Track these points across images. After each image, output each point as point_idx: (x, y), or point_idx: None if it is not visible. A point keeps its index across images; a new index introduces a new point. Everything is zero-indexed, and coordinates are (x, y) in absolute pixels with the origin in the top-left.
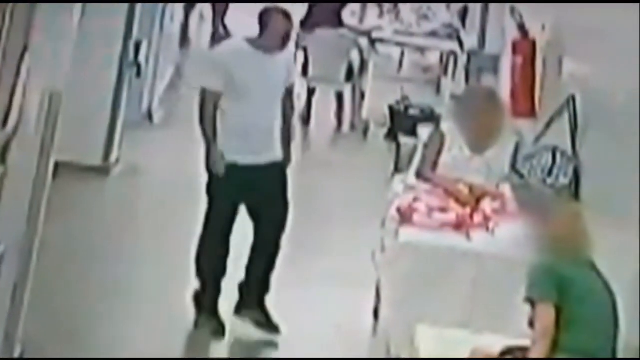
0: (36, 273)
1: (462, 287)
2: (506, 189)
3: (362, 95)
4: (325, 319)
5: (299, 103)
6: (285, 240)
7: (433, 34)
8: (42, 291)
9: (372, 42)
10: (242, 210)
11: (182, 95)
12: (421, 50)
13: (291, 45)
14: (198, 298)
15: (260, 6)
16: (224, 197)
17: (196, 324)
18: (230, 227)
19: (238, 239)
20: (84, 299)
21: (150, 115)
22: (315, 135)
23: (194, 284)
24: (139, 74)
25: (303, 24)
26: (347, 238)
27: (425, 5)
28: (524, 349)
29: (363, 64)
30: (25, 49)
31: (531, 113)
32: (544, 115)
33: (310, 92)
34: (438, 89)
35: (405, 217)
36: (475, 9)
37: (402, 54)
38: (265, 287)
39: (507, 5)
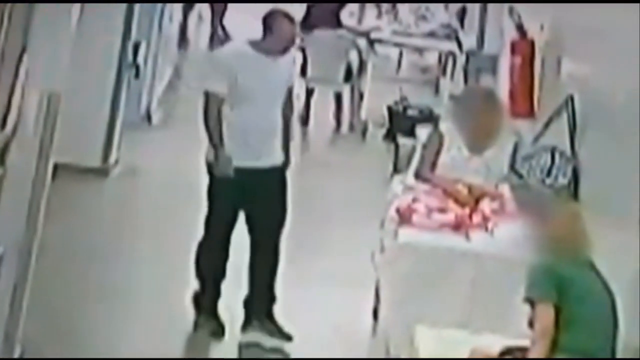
0: (36, 274)
1: (461, 287)
2: (505, 189)
3: (361, 96)
4: (325, 319)
5: (298, 104)
6: (284, 240)
7: (431, 34)
8: (41, 292)
9: (371, 42)
10: (242, 216)
11: (181, 96)
12: (419, 50)
13: (293, 48)
14: (197, 299)
15: (258, 6)
16: (225, 201)
17: (195, 324)
18: (231, 231)
19: (238, 241)
20: (83, 300)
21: (149, 116)
22: (314, 136)
23: (193, 284)
24: (137, 75)
25: (301, 24)
26: (346, 239)
27: (423, 6)
28: (524, 349)
29: (361, 65)
30: (23, 50)
31: (530, 113)
32: (542, 115)
33: (309, 93)
34: (437, 90)
35: (404, 217)
36: (473, 9)
37: (401, 54)
38: (272, 298)
39: (506, 6)
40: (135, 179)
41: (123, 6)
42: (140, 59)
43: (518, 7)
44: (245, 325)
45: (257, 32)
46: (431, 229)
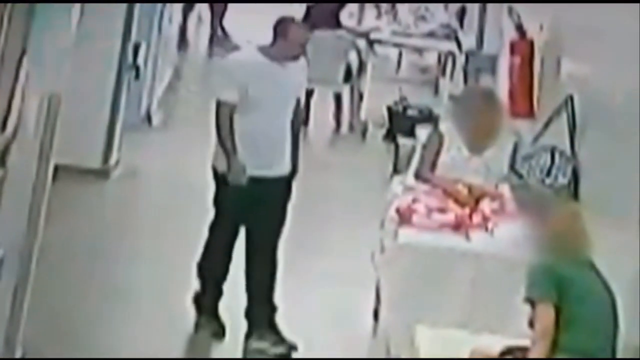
0: (36, 275)
1: (461, 287)
2: (505, 189)
3: (361, 97)
4: (325, 319)
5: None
6: (284, 241)
7: (431, 34)
8: (42, 294)
9: (370, 43)
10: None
11: (181, 97)
12: (419, 51)
13: (304, 57)
14: (198, 300)
15: (258, 6)
16: (233, 209)
17: (196, 325)
18: (236, 236)
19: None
20: (84, 301)
21: (149, 118)
22: (313, 136)
23: (194, 285)
24: (137, 76)
25: None
26: (347, 239)
27: (422, 6)
28: (524, 349)
29: (361, 65)
30: (23, 52)
31: (529, 113)
32: (542, 115)
33: (309, 94)
34: (436, 90)
35: (404, 217)
36: (473, 9)
37: (400, 54)
38: (272, 308)
39: (505, 6)
40: (135, 180)
41: (123, 8)
42: (140, 61)
43: (517, 7)
44: (248, 336)
45: (257, 32)
46: (431, 229)
